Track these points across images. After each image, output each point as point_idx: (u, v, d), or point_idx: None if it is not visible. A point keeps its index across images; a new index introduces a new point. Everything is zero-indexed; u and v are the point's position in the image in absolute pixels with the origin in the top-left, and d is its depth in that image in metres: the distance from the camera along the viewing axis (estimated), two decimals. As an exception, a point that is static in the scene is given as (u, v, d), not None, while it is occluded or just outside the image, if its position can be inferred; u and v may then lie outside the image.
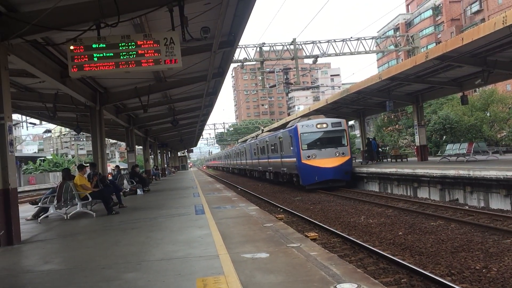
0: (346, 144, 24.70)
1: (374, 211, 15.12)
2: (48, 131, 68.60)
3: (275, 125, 46.35)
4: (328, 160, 23.87)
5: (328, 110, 31.79)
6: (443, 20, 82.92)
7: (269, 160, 32.70)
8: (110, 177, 20.80)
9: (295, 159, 24.81)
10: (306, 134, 24.60)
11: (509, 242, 9.42)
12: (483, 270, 7.52)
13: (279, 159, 29.04)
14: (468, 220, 12.16)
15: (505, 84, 53.37)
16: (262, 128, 55.49)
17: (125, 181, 20.79)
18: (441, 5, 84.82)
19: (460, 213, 13.69)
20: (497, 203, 14.16)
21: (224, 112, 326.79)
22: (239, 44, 16.69)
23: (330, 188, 23.71)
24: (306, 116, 28.91)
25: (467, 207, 14.68)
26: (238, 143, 73.01)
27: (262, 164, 36.12)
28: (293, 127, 25.64)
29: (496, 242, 9.47)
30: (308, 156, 24.06)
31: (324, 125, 24.81)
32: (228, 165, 70.75)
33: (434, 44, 69.27)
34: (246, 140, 55.25)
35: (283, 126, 34.93)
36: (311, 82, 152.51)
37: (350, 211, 15.78)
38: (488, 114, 43.23)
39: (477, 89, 43.95)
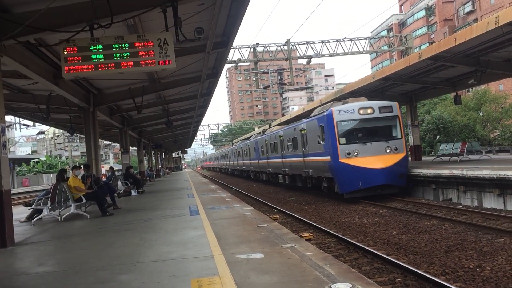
0: (400, 137, 18.30)
1: (368, 211, 15.16)
2: (42, 132, 68.36)
3: (286, 117, 39.69)
4: (376, 158, 17.63)
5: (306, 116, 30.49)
6: (436, 20, 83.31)
7: (284, 159, 26.40)
8: (104, 179, 20.71)
9: (328, 157, 18.39)
10: (345, 122, 18.10)
11: (502, 241, 9.47)
12: (477, 269, 7.56)
13: (301, 158, 22.45)
14: (461, 220, 12.22)
15: (498, 84, 53.69)
16: (270, 122, 48.50)
17: (119, 182, 20.71)
18: (434, 5, 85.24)
19: (453, 212, 13.75)
20: (491, 202, 14.24)
21: (218, 113, 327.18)
22: (233, 44, 16.72)
23: (377, 198, 17.66)
24: (340, 99, 22.14)
25: (460, 206, 14.75)
26: (232, 144, 71.80)
27: (273, 164, 29.72)
28: (325, 113, 18.82)
29: (490, 241, 9.52)
30: (348, 154, 17.57)
31: (369, 110, 18.17)
32: (227, 166, 63.65)
33: (427, 45, 69.57)
34: (249, 137, 47.50)
35: (305, 116, 27.68)
36: (305, 83, 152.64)
37: (345, 211, 15.81)
38: (481, 114, 43.51)
39: (470, 89, 44.19)
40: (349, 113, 18.09)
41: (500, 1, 59.01)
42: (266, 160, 32.01)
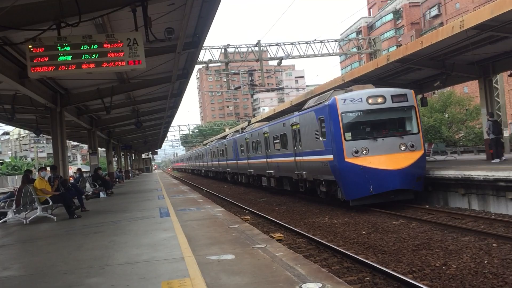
0: (416, 131, 15.30)
1: (339, 211, 15.34)
2: (6, 133, 66.55)
3: (269, 113, 35.45)
4: (389, 157, 14.73)
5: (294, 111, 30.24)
6: (403, 24, 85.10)
7: (269, 159, 23.17)
8: (71, 180, 20.33)
9: (329, 156, 15.35)
10: (351, 114, 15.07)
11: (467, 239, 9.74)
12: (443, 267, 7.75)
13: (291, 158, 19.35)
14: (428, 219, 12.49)
15: (463, 87, 55.20)
16: (249, 119, 44.58)
17: (87, 184, 20.41)
18: (401, 9, 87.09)
19: (420, 212, 14.05)
20: (455, 202, 14.62)
21: (189, 114, 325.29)
22: (204, 45, 16.68)
23: (388, 205, 14.82)
24: (341, 87, 18.30)
25: (427, 206, 15.08)
26: (204, 144, 71.13)
27: (256, 165, 26.39)
28: (326, 103, 15.73)
29: (455, 240, 9.77)
30: (356, 152, 14.62)
31: (380, 99, 15.15)
32: (200, 167, 59.12)
33: (395, 47, 71.00)
34: (226, 136, 44.09)
35: (293, 110, 25.07)
36: (276, 84, 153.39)
37: (315, 211, 15.95)
38: (446, 116, 44.64)
39: (436, 91, 45.29)
40: (356, 102, 14.99)
41: (465, 5, 60.71)
42: (246, 161, 28.70)
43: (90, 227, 10.48)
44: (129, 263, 6.31)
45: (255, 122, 33.37)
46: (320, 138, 16.06)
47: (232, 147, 33.34)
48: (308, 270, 5.37)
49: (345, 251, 9.21)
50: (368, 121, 15.36)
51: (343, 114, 14.90)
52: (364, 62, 79.66)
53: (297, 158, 18.71)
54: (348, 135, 14.88)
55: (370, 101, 15.08)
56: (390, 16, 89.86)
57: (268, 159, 23.42)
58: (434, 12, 71.42)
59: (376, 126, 15.40)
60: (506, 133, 24.78)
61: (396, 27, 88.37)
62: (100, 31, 11.29)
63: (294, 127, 18.98)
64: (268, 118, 31.15)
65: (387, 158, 14.70)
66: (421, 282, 6.94)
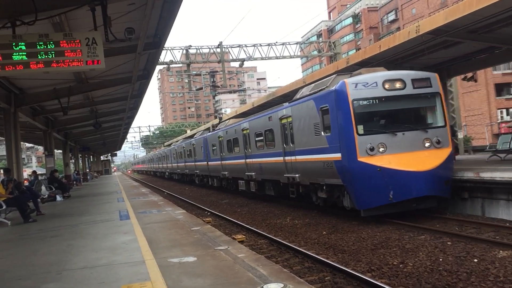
0: (443, 123, 12.79)
1: (300, 212, 15.49)
2: (-44, 134, 63.59)
3: (247, 106, 31.66)
4: (412, 156, 12.07)
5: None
6: (362, 28, 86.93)
7: (249, 160, 20.16)
8: (26, 183, 19.71)
9: (336, 155, 12.49)
10: (365, 102, 12.23)
11: (423, 238, 10.04)
12: (400, 265, 7.97)
13: (280, 158, 16.47)
14: (386, 219, 12.79)
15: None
16: (220, 116, 39.49)
17: (43, 187, 19.90)
18: (360, 13, 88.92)
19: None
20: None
21: (149, 115, 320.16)
22: (165, 46, 16.51)
23: (407, 215, 12.20)
24: (346, 72, 15.90)
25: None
26: (165, 145, 70.00)
27: (232, 167, 23.26)
28: (332, 89, 12.68)
29: (412, 239, 10.06)
30: (371, 149, 11.87)
31: (399, 84, 12.44)
32: (163, 169, 55.56)
33: (354, 51, 72.39)
34: (194, 135, 40.83)
35: (276, 103, 22.85)
36: (238, 85, 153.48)
37: (277, 212, 16.05)
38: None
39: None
40: (371, 87, 12.23)
41: (421, 11, 62.59)
42: (219, 162, 25.27)
43: (47, 231, 10.19)
44: (88, 267, 6.18)
45: (228, 119, 30.05)
46: (322, 133, 13.16)
47: (202, 146, 29.91)
48: (270, 271, 5.41)
49: (306, 252, 9.32)
50: (385, 111, 12.56)
51: (355, 102, 12.05)
52: (325, 64, 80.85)
53: (288, 158, 15.83)
54: (361, 129, 12.05)
55: (386, 86, 12.35)
56: (350, 20, 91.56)
57: (248, 160, 20.29)
58: (391, 17, 73.32)
59: (394, 117, 12.64)
60: (460, 135, 25.72)
61: (355, 31, 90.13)
62: (58, 30, 11.01)
63: (284, 120, 16.08)
64: (244, 114, 28.32)
65: (410, 157, 12.03)
66: (379, 280, 7.11)
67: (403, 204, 11.93)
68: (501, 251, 8.26)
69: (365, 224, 12.16)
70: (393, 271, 7.67)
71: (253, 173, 19.74)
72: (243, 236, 11.23)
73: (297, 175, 15.12)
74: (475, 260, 7.83)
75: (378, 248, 9.39)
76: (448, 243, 9.33)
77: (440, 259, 8.09)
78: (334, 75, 14.24)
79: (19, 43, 8.57)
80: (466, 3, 12.45)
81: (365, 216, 12.24)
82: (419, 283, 6.95)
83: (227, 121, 27.56)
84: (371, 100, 12.26)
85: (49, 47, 8.71)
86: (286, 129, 15.95)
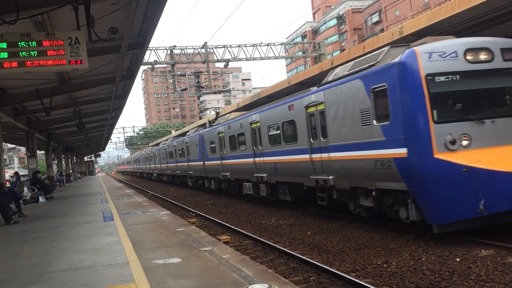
0: None
1: (285, 213, 15.51)
2: None
3: (252, 97, 28.60)
4: (505, 152, 8.97)
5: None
6: (346, 29, 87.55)
7: (258, 159, 17.02)
8: (8, 185, 19.43)
9: (399, 150, 9.32)
10: (442, 78, 9.05)
11: (406, 237, 10.14)
12: (384, 265, 8.03)
13: (304, 156, 13.44)
14: (370, 219, 12.88)
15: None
16: (217, 110, 32.28)
17: (25, 189, 19.65)
18: (344, 15, 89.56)
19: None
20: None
21: (134, 115, 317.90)
22: (149, 46, 16.42)
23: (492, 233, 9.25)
24: (399, 44, 11.57)
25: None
26: (148, 146, 69.24)
27: (235, 167, 19.95)
28: (396, 61, 9.37)
29: (396, 238, 10.14)
30: (451, 142, 8.78)
31: (484, 55, 9.28)
32: (151, 170, 51.26)
33: (339, 52, 72.89)
34: (186, 132, 36.58)
35: (285, 93, 20.34)
36: (223, 86, 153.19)
37: (262, 213, 16.06)
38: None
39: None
40: (449, 58, 9.10)
41: (404, 13, 63.32)
42: (219, 161, 22.05)
43: (29, 233, 10.06)
44: (71, 269, 6.11)
45: (229, 112, 26.69)
46: (374, 122, 10.01)
47: (197, 144, 26.45)
48: (255, 272, 5.41)
49: (291, 252, 9.35)
50: (468, 90, 9.36)
51: (429, 78, 8.96)
52: (309, 65, 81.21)
53: (316, 155, 12.77)
54: (438, 115, 8.96)
55: (469, 57, 9.20)
56: (334, 21, 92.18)
57: (258, 158, 17.11)
58: (375, 18, 74.01)
59: (480, 99, 9.57)
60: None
61: (339, 32, 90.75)
62: (40, 29, 10.86)
63: (312, 109, 12.92)
64: (246, 108, 25.42)
65: (505, 152, 8.95)
66: (363, 280, 7.16)
67: (492, 217, 8.81)
68: (482, 250, 8.38)
69: (349, 224, 12.23)
70: (377, 271, 7.73)
71: (265, 174, 16.48)
72: (228, 237, 11.22)
73: (330, 177, 11.96)
74: (458, 259, 7.92)
75: (362, 248, 9.45)
76: (431, 242, 9.43)
77: (423, 259, 8.18)
78: (388, 47, 10.88)
79: (0, 43, 8.45)
80: (448, 5, 12.64)
81: (439, 232, 9.12)
82: (403, 282, 7.01)
83: (227, 115, 23.65)
84: (451, 76, 9.13)
85: (31, 46, 8.60)
86: (315, 119, 12.80)
